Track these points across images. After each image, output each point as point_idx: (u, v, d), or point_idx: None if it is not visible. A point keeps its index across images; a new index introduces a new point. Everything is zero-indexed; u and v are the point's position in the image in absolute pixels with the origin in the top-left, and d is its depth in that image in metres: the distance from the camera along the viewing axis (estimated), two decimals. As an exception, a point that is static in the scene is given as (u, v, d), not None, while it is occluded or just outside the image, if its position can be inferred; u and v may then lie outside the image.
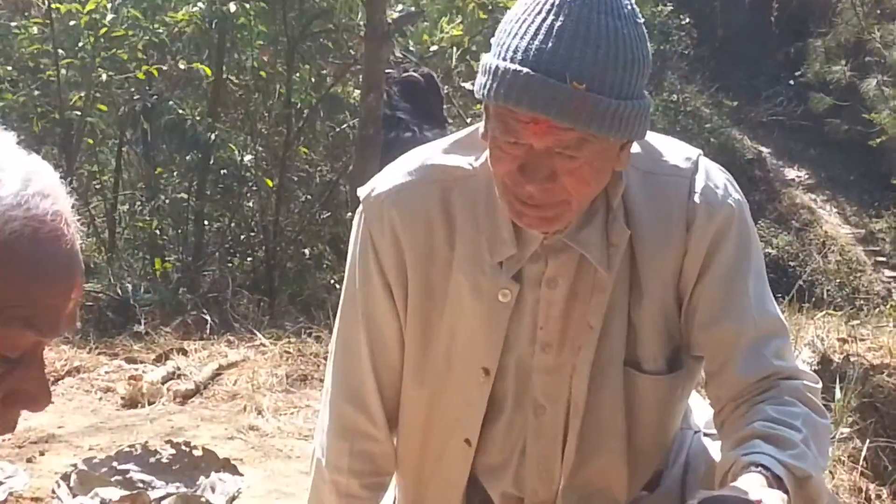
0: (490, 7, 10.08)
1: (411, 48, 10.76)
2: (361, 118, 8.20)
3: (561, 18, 1.92)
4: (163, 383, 6.30)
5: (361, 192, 2.33)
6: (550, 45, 1.91)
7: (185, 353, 6.97)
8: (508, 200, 2.08)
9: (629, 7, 1.99)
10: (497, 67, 1.94)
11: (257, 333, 7.44)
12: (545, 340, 2.23)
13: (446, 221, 2.23)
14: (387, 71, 8.36)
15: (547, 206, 2.04)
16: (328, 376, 2.44)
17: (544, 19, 1.92)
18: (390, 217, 2.24)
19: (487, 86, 1.96)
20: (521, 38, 1.93)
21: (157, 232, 11.17)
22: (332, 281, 10.65)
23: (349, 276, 2.35)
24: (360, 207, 2.31)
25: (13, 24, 10.87)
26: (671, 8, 21.76)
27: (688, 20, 22.81)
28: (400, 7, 9.75)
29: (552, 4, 1.93)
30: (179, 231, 11.15)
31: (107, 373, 6.62)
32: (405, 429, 2.40)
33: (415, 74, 8.07)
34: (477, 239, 2.20)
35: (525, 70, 1.90)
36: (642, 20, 2.02)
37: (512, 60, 1.92)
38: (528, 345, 2.24)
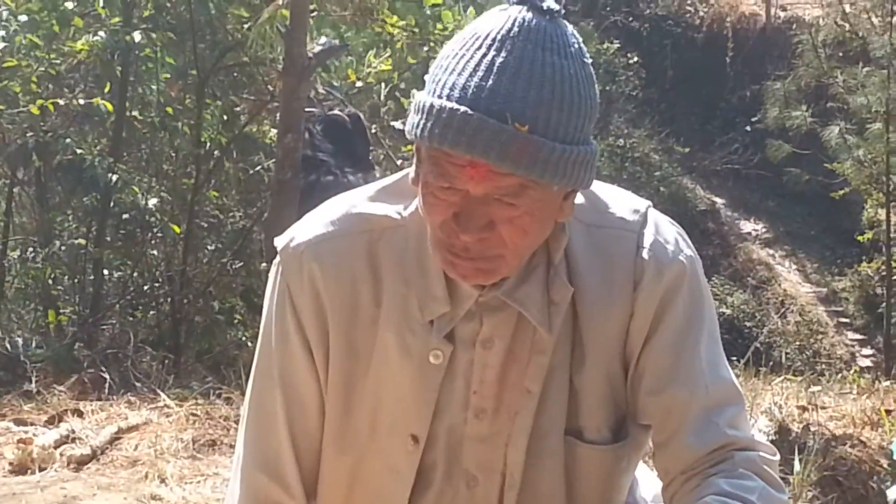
0: (424, 46, 10.13)
1: (335, 84, 10.80)
2: (278, 160, 8.20)
3: (503, 55, 1.93)
4: (55, 447, 6.26)
5: (279, 242, 2.32)
6: (491, 82, 1.91)
7: (80, 414, 6.92)
8: (440, 251, 2.08)
9: (576, 45, 2.00)
10: (431, 105, 1.94)
11: (161, 394, 7.40)
12: (479, 406, 2.23)
13: (372, 276, 2.23)
14: (308, 109, 8.38)
15: (482, 259, 2.04)
16: (240, 442, 2.42)
17: (484, 55, 1.93)
18: (310, 271, 2.23)
19: (420, 125, 1.96)
20: (459, 74, 1.94)
21: (51, 281, 11.07)
22: (244, 338, 10.61)
23: (265, 333, 2.33)
24: (278, 259, 2.30)
25: None
26: (618, 46, 22.03)
27: (636, 59, 23.07)
28: (322, 39, 9.78)
29: (493, 39, 1.94)
30: (76, 280, 11.05)
31: (-6, 436, 6.58)
32: (325, 500, 2.39)
33: (339, 113, 8.11)
34: (406, 295, 2.20)
35: (462, 109, 1.91)
36: (590, 60, 2.04)
37: (448, 98, 1.93)
38: (460, 410, 2.24)
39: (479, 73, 1.93)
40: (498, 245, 2.03)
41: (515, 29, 1.96)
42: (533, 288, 2.17)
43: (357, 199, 2.28)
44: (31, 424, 6.82)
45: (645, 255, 2.19)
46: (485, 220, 2.00)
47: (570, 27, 2.03)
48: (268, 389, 2.32)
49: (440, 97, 1.95)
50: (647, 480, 2.52)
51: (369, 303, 2.23)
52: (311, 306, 2.24)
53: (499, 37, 1.95)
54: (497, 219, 2.00)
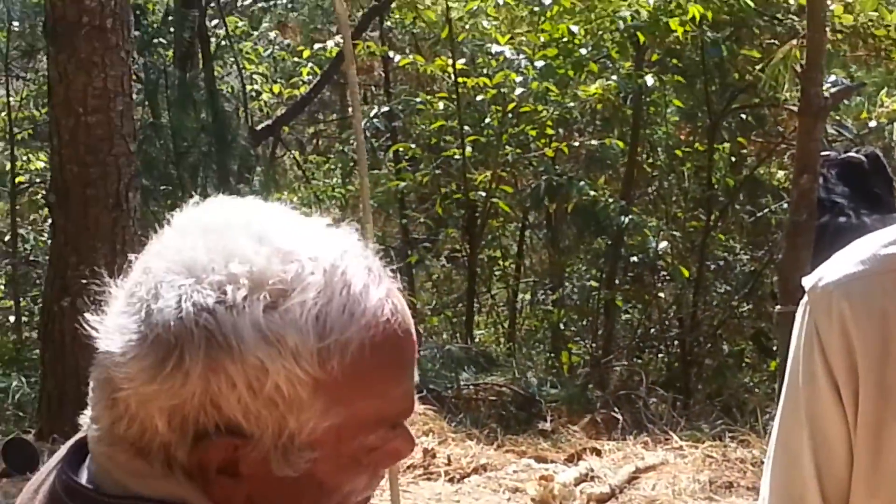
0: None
1: (846, 124, 10.65)
2: (793, 201, 8.14)
3: None
4: (575, 485, 6.47)
5: (807, 282, 2.32)
6: None
7: (598, 453, 7.12)
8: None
9: None
10: None
11: (673, 435, 7.51)
12: None
13: None
14: (822, 153, 8.29)
15: None
16: (764, 483, 2.42)
17: None
18: (840, 310, 2.21)
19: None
20: None
21: (562, 324, 11.42)
22: (753, 382, 10.57)
23: (791, 373, 2.34)
24: (805, 299, 2.30)
25: (417, 99, 11.47)
26: None
27: None
28: (832, 78, 9.66)
29: None
30: (585, 322, 11.36)
31: (515, 472, 6.86)
32: None
33: (855, 155, 7.97)
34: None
35: None
36: None
37: None
38: None
39: None
40: None
41: None
42: None
43: (887, 238, 2.30)
44: (551, 462, 7.07)
45: None
46: None
47: None
48: (794, 430, 2.33)
49: None
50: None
51: (903, 344, 2.23)
52: (840, 346, 2.24)
53: None
54: None
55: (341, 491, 1.20)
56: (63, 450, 1.27)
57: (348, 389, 1.14)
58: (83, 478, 1.20)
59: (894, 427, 2.24)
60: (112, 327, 1.15)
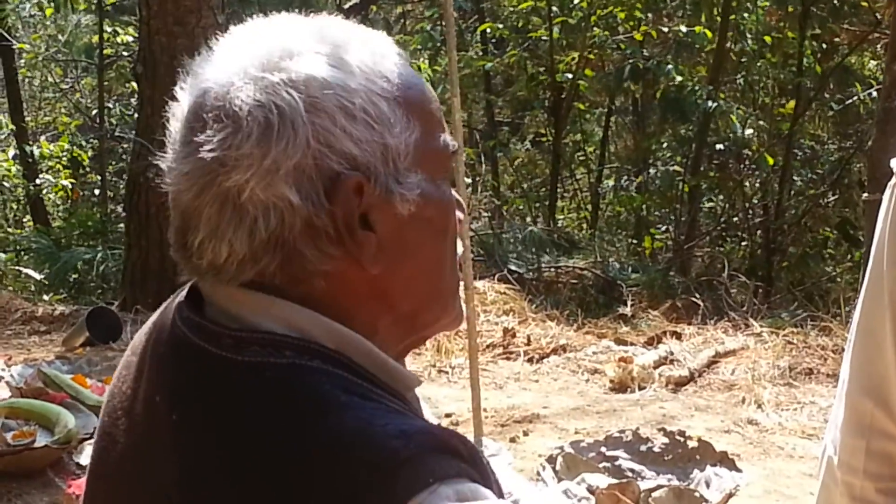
0: None
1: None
2: (885, 88, 7.99)
3: None
4: (654, 368, 6.44)
5: (895, 163, 2.30)
6: None
7: (678, 337, 7.08)
8: None
9: None
10: None
11: (754, 321, 7.45)
12: None
13: None
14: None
15: None
16: (845, 365, 2.40)
17: None
18: None
19: None
20: None
21: (644, 209, 11.36)
22: (838, 271, 10.48)
23: (876, 257, 2.30)
24: (893, 181, 2.28)
25: (505, -21, 11.38)
26: None
27: None
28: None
29: None
30: (669, 209, 11.30)
31: (594, 353, 6.84)
32: None
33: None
34: None
35: None
36: None
37: None
38: None
39: None
40: None
41: None
42: None
43: None
44: (631, 345, 7.05)
45: None
46: None
47: None
48: (877, 312, 2.29)
49: None
50: None
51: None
52: None
53: None
54: None
55: (449, 232, 1.27)
56: (173, 300, 1.30)
57: (411, 102, 1.24)
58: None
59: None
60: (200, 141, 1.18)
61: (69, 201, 13.03)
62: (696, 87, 10.06)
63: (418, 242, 1.24)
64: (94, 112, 12.97)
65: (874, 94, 10.25)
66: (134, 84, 10.76)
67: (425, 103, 1.26)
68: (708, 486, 4.50)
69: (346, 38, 1.24)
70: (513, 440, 5.54)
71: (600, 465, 4.68)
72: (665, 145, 11.73)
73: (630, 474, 4.61)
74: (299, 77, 1.17)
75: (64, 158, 12.64)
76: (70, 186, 12.43)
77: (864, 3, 10.45)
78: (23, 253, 11.36)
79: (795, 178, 11.30)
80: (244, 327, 1.19)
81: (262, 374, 1.16)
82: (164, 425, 1.20)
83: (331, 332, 1.20)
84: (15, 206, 13.95)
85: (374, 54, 1.23)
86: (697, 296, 8.46)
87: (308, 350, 1.18)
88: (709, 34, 10.19)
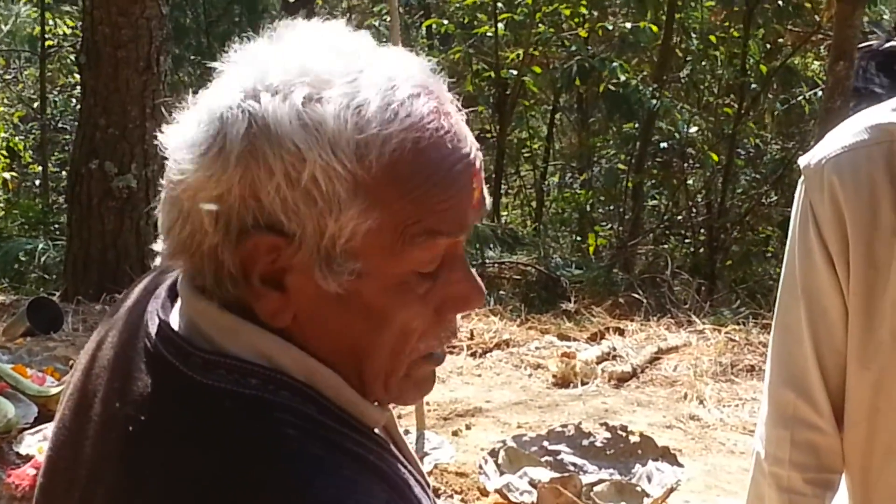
0: None
1: (885, 17, 10.49)
2: (828, 88, 8.07)
3: None
4: (597, 363, 6.46)
5: (802, 161, 2.31)
6: None
7: (621, 333, 7.10)
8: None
9: None
10: None
11: (696, 319, 7.49)
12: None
13: (892, 187, 2.20)
14: (860, 45, 8.18)
15: None
16: (768, 361, 2.44)
17: None
18: (830, 184, 2.19)
19: None
20: None
21: (588, 206, 11.39)
22: (780, 269, 10.57)
23: (789, 251, 2.33)
24: (802, 178, 2.31)
25: (449, -23, 11.38)
26: None
27: None
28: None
29: None
30: (613, 206, 11.33)
31: (537, 348, 6.85)
32: (849, 419, 2.38)
33: (900, 45, 7.85)
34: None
35: None
36: None
37: None
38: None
39: None
40: None
41: None
42: None
43: (879, 112, 2.25)
44: (574, 340, 7.06)
45: None
46: None
47: None
48: (793, 306, 2.32)
49: None
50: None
51: (890, 213, 2.20)
52: (832, 218, 2.21)
53: None
54: None
55: (394, 321, 1.16)
56: (160, 289, 1.27)
57: (387, 189, 1.11)
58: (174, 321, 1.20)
59: (884, 297, 2.23)
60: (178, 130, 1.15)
61: (8, 191, 12.93)
62: (640, 86, 10.09)
63: (344, 323, 1.15)
64: (37, 103, 12.88)
65: (819, 94, 10.33)
66: (76, 75, 10.68)
67: (417, 188, 1.11)
68: (649, 480, 4.52)
69: (354, 69, 1.13)
70: (455, 434, 5.54)
71: (542, 459, 4.68)
72: (610, 143, 11.77)
73: (572, 468, 4.62)
74: (259, 117, 1.09)
75: (3, 151, 12.55)
76: (8, 178, 12.33)
77: (808, 4, 10.52)
78: (-38, 244, 11.26)
79: (739, 176, 11.36)
80: (213, 349, 1.15)
81: (222, 404, 1.12)
82: (117, 433, 1.18)
83: (298, 363, 1.15)
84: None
85: (380, 107, 1.11)
86: (640, 292, 8.49)
87: (274, 380, 1.14)
88: (654, 29, 10.23)
